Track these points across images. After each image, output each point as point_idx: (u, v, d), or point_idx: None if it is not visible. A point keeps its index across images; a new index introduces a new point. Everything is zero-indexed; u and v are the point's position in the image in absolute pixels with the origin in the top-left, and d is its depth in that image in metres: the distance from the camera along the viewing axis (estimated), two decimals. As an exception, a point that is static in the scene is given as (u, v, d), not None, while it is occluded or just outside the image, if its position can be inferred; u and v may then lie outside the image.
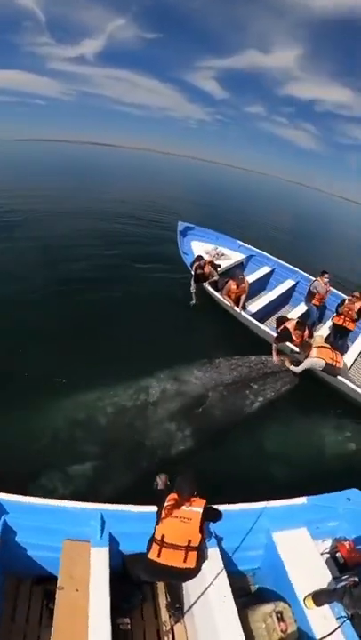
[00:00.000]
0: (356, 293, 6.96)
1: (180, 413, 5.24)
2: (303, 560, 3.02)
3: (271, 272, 8.98)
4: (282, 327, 6.25)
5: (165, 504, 2.74)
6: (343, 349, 6.95)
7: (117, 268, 9.53)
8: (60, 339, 6.43)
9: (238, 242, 9.61)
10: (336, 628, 2.56)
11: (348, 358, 6.58)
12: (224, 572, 2.82)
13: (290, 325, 6.14)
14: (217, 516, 2.92)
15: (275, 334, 6.41)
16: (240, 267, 8.93)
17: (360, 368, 7.20)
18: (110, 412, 5.09)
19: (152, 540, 2.74)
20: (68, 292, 8.02)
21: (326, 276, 7.42)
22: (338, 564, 3.07)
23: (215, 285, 7.71)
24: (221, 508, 3.03)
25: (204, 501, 2.79)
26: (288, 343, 6.27)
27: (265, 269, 8.90)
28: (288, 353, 6.38)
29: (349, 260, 18.11)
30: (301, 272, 8.80)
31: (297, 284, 8.66)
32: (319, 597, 2.76)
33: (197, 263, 7.60)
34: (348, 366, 6.43)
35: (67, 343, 6.32)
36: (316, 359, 5.81)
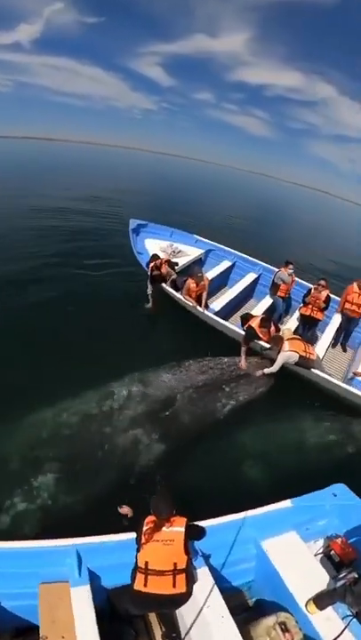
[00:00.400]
0: (322, 282, 7.14)
1: (149, 420, 5.14)
2: (297, 565, 3.04)
3: (232, 266, 9.06)
4: (247, 326, 6.29)
5: (144, 528, 2.65)
6: (313, 340, 7.16)
7: (65, 271, 9.15)
8: (7, 351, 6.10)
9: (195, 236, 9.62)
10: (344, 629, 2.59)
11: (320, 349, 6.73)
12: (217, 590, 2.78)
13: (254, 323, 6.18)
14: (200, 533, 2.87)
15: (241, 331, 6.46)
16: (199, 263, 8.94)
17: (332, 358, 7.51)
18: (75, 424, 4.90)
19: (135, 569, 2.65)
20: (11, 300, 7.62)
21: (291, 266, 7.54)
22: (333, 563, 3.13)
23: (175, 285, 7.67)
24: (204, 523, 3.00)
25: (184, 519, 2.73)
26: (259, 341, 6.32)
27: (225, 264, 8.95)
28: (260, 350, 6.45)
29: (309, 246, 18.78)
30: (263, 264, 8.94)
31: (260, 276, 8.80)
32: (321, 600, 2.78)
33: (153, 263, 7.46)
34: (321, 357, 6.58)
35: (17, 355, 6.02)
36: (289, 352, 5.87)
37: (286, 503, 3.45)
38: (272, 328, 6.22)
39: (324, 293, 7.04)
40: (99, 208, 16.57)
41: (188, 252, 8.90)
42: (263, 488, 4.42)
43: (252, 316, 6.50)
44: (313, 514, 3.51)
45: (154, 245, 8.72)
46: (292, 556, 3.10)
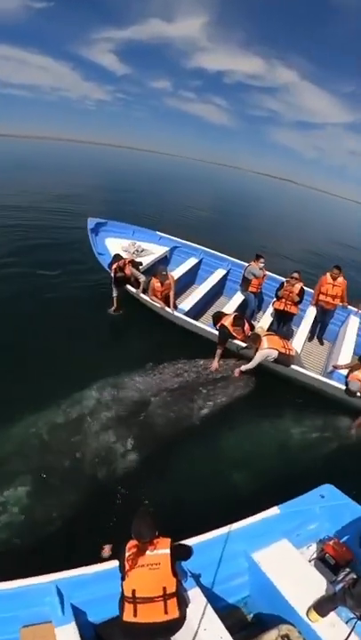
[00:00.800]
0: (295, 274, 7.19)
1: (122, 428, 5.07)
2: (293, 573, 3.06)
3: (199, 263, 9.08)
4: (219, 325, 6.28)
5: (126, 554, 2.60)
6: (289, 335, 7.28)
7: (22, 278, 8.86)
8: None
9: (158, 233, 9.60)
10: (350, 633, 2.64)
11: (297, 344, 6.81)
12: (212, 610, 2.75)
13: (227, 322, 6.19)
14: (187, 552, 2.83)
15: (214, 331, 6.47)
16: (164, 261, 8.96)
17: (309, 353, 7.67)
18: (43, 437, 4.78)
19: (122, 599, 2.58)
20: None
21: (261, 260, 7.59)
22: (330, 566, 3.19)
23: (139, 285, 7.53)
24: (190, 541, 2.99)
25: (168, 540, 2.68)
26: (233, 340, 6.34)
27: (192, 261, 8.96)
28: (236, 350, 6.47)
29: (278, 238, 19.21)
30: (232, 259, 9.01)
31: (229, 272, 8.86)
32: (322, 607, 2.80)
33: (116, 264, 7.32)
34: (299, 352, 6.64)
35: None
36: (268, 350, 5.88)
37: (274, 510, 3.47)
38: (246, 326, 6.25)
39: (298, 286, 7.11)
40: (52, 206, 16.11)
41: (152, 251, 8.86)
42: (248, 497, 4.40)
43: (224, 315, 6.51)
44: (302, 518, 3.56)
45: (115, 245, 8.60)
46: (286, 564, 3.12)
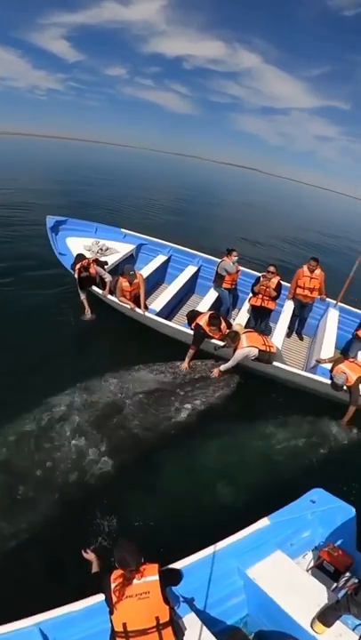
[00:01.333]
0: (271, 268, 7.19)
1: (95, 438, 5.02)
2: (291, 585, 3.08)
3: (168, 260, 9.11)
4: (194, 325, 6.29)
5: (112, 586, 2.54)
6: (267, 332, 7.32)
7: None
8: None
9: (123, 230, 9.52)
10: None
11: (277, 340, 6.84)
12: (211, 635, 2.72)
13: (202, 322, 6.19)
14: (177, 576, 2.78)
15: (189, 331, 6.47)
16: (130, 260, 8.93)
17: (290, 349, 7.80)
18: (13, 450, 4.73)
19: (113, 635, 2.51)
20: None
21: (234, 254, 7.57)
22: (329, 574, 3.24)
23: (105, 286, 7.42)
24: (178, 564, 2.97)
25: (156, 565, 2.63)
26: (210, 340, 6.36)
27: (160, 258, 8.92)
28: (214, 350, 6.49)
29: (249, 230, 19.38)
30: (202, 254, 9.06)
31: (200, 268, 8.91)
32: (326, 617, 2.82)
33: (80, 264, 7.13)
34: (280, 348, 6.69)
35: None
36: (247, 348, 5.93)
37: (264, 522, 3.47)
38: (223, 324, 6.25)
39: (275, 280, 7.14)
40: (9, 212, 15.73)
41: (117, 249, 8.76)
42: (234, 510, 4.39)
43: (198, 313, 6.50)
44: (295, 527, 3.59)
45: (77, 244, 8.46)
46: (283, 577, 3.13)
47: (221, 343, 6.32)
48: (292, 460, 5.29)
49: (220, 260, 7.79)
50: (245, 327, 6.94)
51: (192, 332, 6.33)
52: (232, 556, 3.22)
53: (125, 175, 37.53)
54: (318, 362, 6.51)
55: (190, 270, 8.65)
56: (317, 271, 7.45)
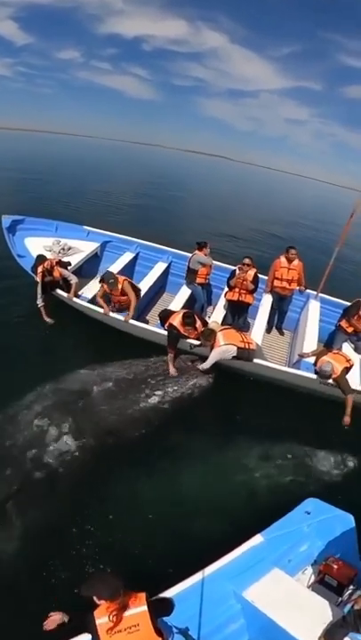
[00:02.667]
0: (247, 260, 7.12)
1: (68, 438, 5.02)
2: (293, 604, 3.01)
3: (135, 257, 9.04)
4: (167, 325, 6.23)
5: (97, 623, 2.42)
6: (246, 328, 7.32)
7: None
8: None
9: (85, 228, 9.41)
10: None
11: (256, 336, 6.82)
12: None
13: (176, 321, 6.12)
14: (168, 606, 2.69)
15: (163, 331, 6.39)
16: (95, 259, 8.93)
17: (270, 345, 7.82)
18: None
19: None
20: None
21: (207, 247, 7.54)
22: (332, 588, 3.20)
23: (69, 288, 7.28)
24: (168, 593, 2.89)
25: (143, 594, 2.54)
26: (185, 339, 6.30)
27: (128, 256, 8.84)
28: (190, 349, 6.47)
29: (219, 223, 19.44)
30: (172, 250, 9.04)
31: (170, 265, 8.91)
32: (332, 636, 2.76)
33: (42, 267, 6.99)
34: (260, 344, 6.66)
35: None
36: (225, 347, 5.89)
37: (257, 539, 3.41)
38: (198, 323, 6.19)
39: (251, 273, 7.07)
40: None
41: (80, 248, 8.67)
42: (223, 528, 4.22)
43: (171, 313, 6.43)
44: (291, 541, 3.54)
45: (37, 245, 8.32)
46: (283, 596, 3.07)
47: (197, 342, 6.29)
48: (280, 469, 5.18)
49: (192, 254, 7.68)
50: (222, 324, 6.90)
51: (166, 333, 6.24)
52: (226, 579, 3.13)
53: (83, 168, 36.86)
54: (301, 356, 6.52)
55: (160, 267, 8.60)
56: (296, 261, 7.41)
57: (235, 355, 5.96)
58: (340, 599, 3.14)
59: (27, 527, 4.07)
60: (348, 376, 5.84)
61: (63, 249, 8.40)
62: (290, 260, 7.38)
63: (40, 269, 6.98)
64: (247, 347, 6.00)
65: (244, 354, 5.98)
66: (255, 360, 6.11)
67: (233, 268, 7.54)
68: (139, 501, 4.55)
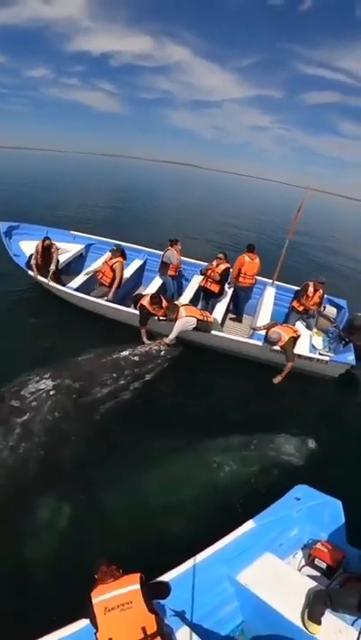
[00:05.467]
0: (221, 255, 7.95)
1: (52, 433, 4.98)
2: (285, 587, 2.99)
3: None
4: (138, 306, 6.92)
5: (94, 602, 2.43)
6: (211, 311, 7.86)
7: None
8: None
9: (72, 232, 10.17)
10: (359, 634, 2.64)
11: (217, 314, 7.60)
12: None
13: (145, 302, 6.81)
14: (163, 589, 2.71)
15: (136, 311, 7.08)
16: (80, 258, 9.65)
17: (232, 329, 8.53)
18: None
19: None
20: None
21: (178, 244, 8.45)
22: (322, 570, 3.23)
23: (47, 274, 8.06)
24: (164, 577, 2.86)
25: (137, 575, 2.56)
26: (156, 319, 6.94)
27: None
28: (157, 321, 7.01)
29: (190, 225, 20.01)
30: (147, 249, 9.89)
31: (145, 262, 9.75)
32: (314, 612, 2.75)
33: (42, 243, 8.02)
34: (219, 322, 7.50)
35: None
36: (186, 318, 6.54)
37: (249, 524, 3.40)
38: (163, 302, 6.83)
39: (222, 267, 7.82)
40: None
41: (67, 249, 9.32)
42: (215, 515, 4.20)
43: (142, 296, 7.08)
44: (281, 526, 3.53)
45: (30, 247, 8.83)
46: (275, 579, 3.05)
47: (164, 318, 6.88)
48: (266, 459, 5.18)
49: (166, 249, 8.48)
50: None
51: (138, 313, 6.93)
52: (220, 563, 3.10)
53: (57, 182, 36.21)
54: (254, 329, 7.26)
55: (136, 263, 9.41)
56: (256, 259, 8.24)
57: (195, 326, 6.62)
58: (330, 581, 3.18)
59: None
60: (297, 347, 6.62)
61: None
62: (252, 258, 8.19)
63: (41, 245, 7.96)
64: (205, 319, 6.72)
65: (203, 325, 6.68)
66: (213, 332, 6.84)
67: (204, 263, 8.60)
68: (133, 491, 4.53)
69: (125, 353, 6.59)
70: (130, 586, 2.48)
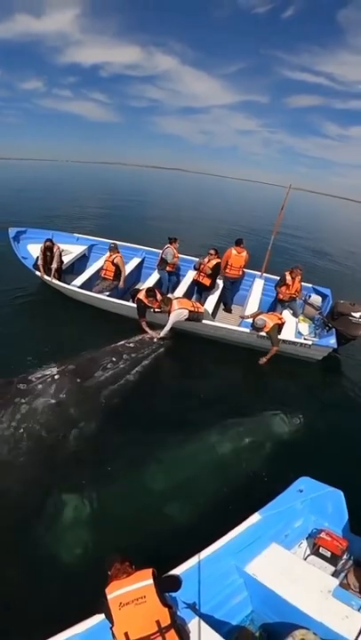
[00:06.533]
0: (212, 251, 8.36)
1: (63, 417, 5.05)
2: (292, 576, 3.03)
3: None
4: (136, 299, 7.32)
5: (109, 598, 2.48)
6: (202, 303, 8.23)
7: None
8: None
9: (75, 235, 10.54)
10: None
11: (208, 305, 8.07)
12: (219, 638, 2.63)
13: (141, 295, 7.22)
14: (174, 583, 2.75)
15: (134, 304, 7.44)
16: (83, 258, 10.08)
17: (224, 317, 8.85)
18: None
19: None
20: None
21: (177, 242, 8.85)
22: (326, 559, 3.25)
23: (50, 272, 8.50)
24: (175, 571, 2.90)
25: (149, 570, 2.61)
26: (152, 311, 7.32)
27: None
28: (153, 312, 7.38)
29: (180, 223, 20.61)
30: (145, 248, 10.29)
31: (143, 259, 10.16)
32: None
33: (44, 245, 8.46)
34: (210, 312, 7.90)
35: None
36: (179, 310, 6.94)
37: (255, 517, 3.43)
38: (158, 296, 7.25)
39: (213, 262, 8.22)
40: None
41: (71, 250, 9.76)
42: (220, 509, 4.21)
43: (139, 290, 7.52)
44: (286, 518, 3.57)
45: (37, 249, 9.18)
46: (282, 568, 3.08)
47: (159, 310, 7.27)
48: (268, 453, 5.19)
49: (166, 247, 8.80)
50: None
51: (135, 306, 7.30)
52: (228, 555, 3.14)
53: (53, 190, 36.01)
54: (242, 317, 7.73)
55: (135, 261, 9.86)
56: (244, 253, 8.57)
57: (187, 317, 7.02)
58: (335, 569, 3.21)
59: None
60: (284, 332, 7.14)
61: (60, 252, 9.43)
62: (239, 251, 8.55)
63: (43, 246, 8.46)
64: (196, 310, 7.15)
65: (194, 315, 7.10)
66: (205, 321, 7.27)
67: (194, 259, 9.00)
68: (137, 486, 4.57)
69: (123, 342, 6.92)
70: (143, 581, 2.52)
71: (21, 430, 4.79)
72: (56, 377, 5.55)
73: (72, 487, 4.36)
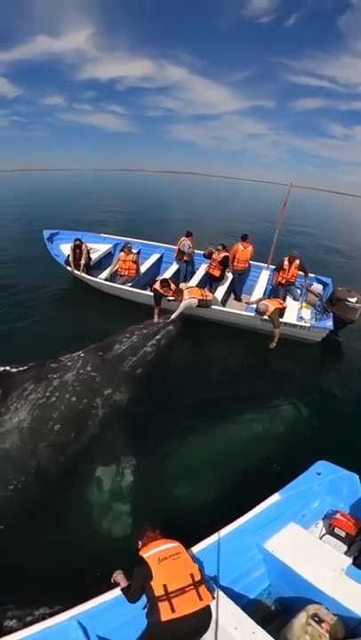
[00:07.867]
0: (219, 246, 8.91)
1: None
2: (308, 554, 3.07)
3: (138, 252, 10.37)
4: (152, 289, 7.83)
5: (147, 555, 2.70)
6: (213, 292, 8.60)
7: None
8: None
9: (102, 235, 11.35)
10: None
11: (218, 294, 8.54)
12: (238, 609, 2.68)
13: (157, 285, 7.65)
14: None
15: (151, 293, 7.93)
16: (109, 255, 10.69)
17: (232, 305, 9.06)
18: None
19: (154, 601, 2.50)
20: None
21: (192, 236, 9.57)
22: (341, 539, 3.27)
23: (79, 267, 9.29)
24: (198, 546, 3.02)
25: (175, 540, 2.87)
26: (167, 300, 7.74)
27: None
28: (167, 302, 7.79)
29: (194, 223, 19.97)
30: (163, 245, 10.96)
31: (162, 255, 10.80)
32: None
33: (74, 244, 9.27)
34: (219, 300, 8.42)
35: None
36: (189, 300, 7.37)
37: (275, 497, 3.49)
38: (172, 285, 7.60)
39: (222, 255, 8.75)
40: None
41: (99, 249, 10.56)
42: (242, 490, 4.25)
43: (155, 281, 8.05)
44: (304, 499, 3.61)
45: (68, 249, 9.81)
46: (299, 547, 3.13)
47: (172, 298, 7.64)
48: (288, 437, 5.30)
49: (182, 239, 9.48)
50: None
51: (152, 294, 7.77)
52: (249, 533, 3.21)
53: (81, 197, 36.24)
54: (248, 303, 8.26)
55: (155, 257, 10.56)
56: (250, 247, 8.96)
57: (197, 305, 7.48)
58: (348, 548, 3.23)
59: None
60: (285, 316, 7.60)
61: (88, 250, 9.95)
62: (245, 246, 8.94)
63: (72, 245, 9.27)
64: (205, 298, 7.63)
65: (203, 303, 7.60)
66: (213, 306, 7.84)
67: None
68: (167, 466, 4.73)
69: (140, 325, 7.21)
70: (172, 543, 2.80)
71: (54, 399, 5.02)
72: (81, 355, 5.90)
73: (102, 457, 4.58)
